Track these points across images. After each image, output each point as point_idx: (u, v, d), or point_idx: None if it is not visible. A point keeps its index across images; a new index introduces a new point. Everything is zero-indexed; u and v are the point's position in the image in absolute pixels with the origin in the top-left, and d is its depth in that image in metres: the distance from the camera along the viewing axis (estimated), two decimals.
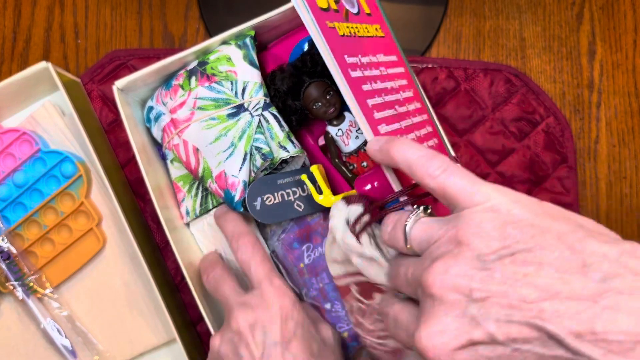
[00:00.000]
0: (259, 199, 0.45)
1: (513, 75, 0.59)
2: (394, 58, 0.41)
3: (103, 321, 0.55)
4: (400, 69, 0.41)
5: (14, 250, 0.54)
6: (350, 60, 0.38)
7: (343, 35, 0.38)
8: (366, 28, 0.41)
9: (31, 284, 0.54)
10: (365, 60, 0.39)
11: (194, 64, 0.48)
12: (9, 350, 0.55)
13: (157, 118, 0.50)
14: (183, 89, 0.48)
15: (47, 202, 0.54)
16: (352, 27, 0.39)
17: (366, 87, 0.37)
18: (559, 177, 0.58)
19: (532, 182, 0.58)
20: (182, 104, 0.48)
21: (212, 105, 0.47)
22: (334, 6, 0.39)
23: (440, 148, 0.42)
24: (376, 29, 0.41)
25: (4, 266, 0.53)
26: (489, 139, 0.59)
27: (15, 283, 0.54)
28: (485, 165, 0.58)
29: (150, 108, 0.51)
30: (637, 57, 0.61)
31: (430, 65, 0.59)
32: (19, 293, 0.54)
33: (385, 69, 0.40)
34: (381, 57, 0.41)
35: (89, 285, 0.55)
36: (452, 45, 0.61)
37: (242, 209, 0.45)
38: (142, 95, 0.51)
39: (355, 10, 0.41)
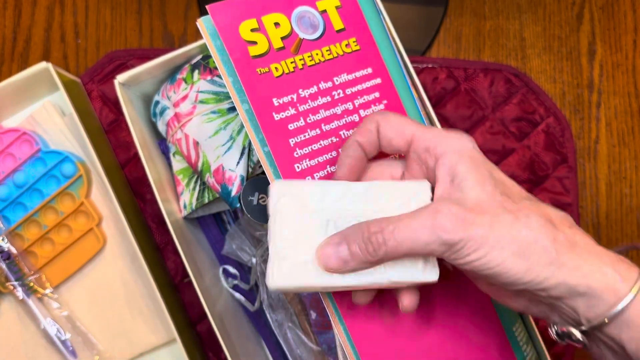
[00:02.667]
0: (256, 194, 0.44)
1: (513, 75, 0.59)
2: (365, 72, 0.41)
3: (103, 321, 0.55)
4: (375, 81, 0.41)
5: (14, 250, 0.54)
6: (281, 100, 0.39)
7: (281, 75, 0.39)
8: (328, 50, 0.41)
9: (31, 284, 0.54)
10: (307, 92, 0.40)
11: (198, 57, 0.48)
12: (9, 351, 0.55)
13: (162, 112, 0.51)
14: (186, 82, 0.48)
15: (47, 202, 0.54)
16: (300, 60, 0.40)
17: (293, 125, 0.39)
18: (559, 177, 0.58)
19: (532, 182, 0.58)
20: (184, 97, 0.48)
21: (213, 98, 0.47)
22: (278, 45, 0.40)
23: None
24: (346, 44, 0.41)
25: (4, 266, 0.53)
26: (489, 139, 0.59)
27: (16, 283, 0.54)
28: None
29: (157, 102, 0.51)
30: (637, 57, 0.61)
31: (430, 65, 0.59)
32: (19, 293, 0.54)
33: (342, 92, 0.40)
34: (343, 77, 0.41)
35: (89, 285, 0.55)
36: (452, 45, 0.61)
37: (238, 205, 0.45)
38: (143, 90, 0.52)
39: (315, 35, 0.41)
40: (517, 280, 0.29)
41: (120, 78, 0.48)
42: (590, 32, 0.61)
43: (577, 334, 0.30)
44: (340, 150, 0.36)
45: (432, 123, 0.45)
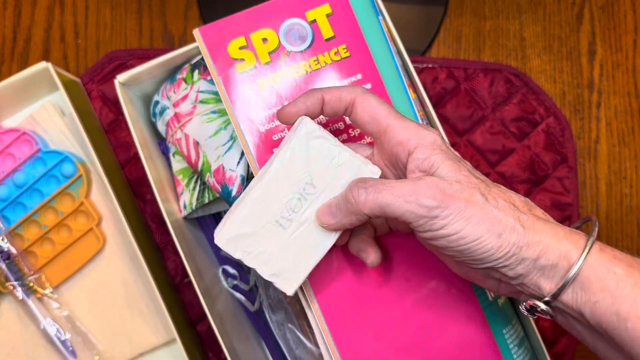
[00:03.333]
0: None
1: (513, 75, 0.59)
2: (354, 78, 0.42)
3: (103, 321, 0.55)
4: (365, 86, 0.42)
5: (14, 250, 0.54)
6: (266, 113, 0.41)
7: (267, 88, 0.41)
8: (316, 60, 0.42)
9: (31, 284, 0.54)
10: None
11: (198, 57, 0.49)
12: (9, 351, 0.55)
13: (162, 112, 0.51)
14: (186, 82, 0.48)
15: (47, 202, 0.54)
16: (287, 72, 0.42)
17: (277, 136, 0.41)
18: (559, 177, 0.58)
19: (532, 182, 0.58)
20: (184, 97, 0.48)
21: (213, 98, 0.48)
22: (265, 60, 0.42)
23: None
24: (335, 52, 0.42)
25: (4, 266, 0.53)
26: (489, 139, 0.59)
27: (15, 283, 0.54)
28: (485, 165, 0.58)
29: (156, 102, 0.51)
30: (637, 57, 0.61)
31: (430, 65, 0.59)
32: (19, 293, 0.54)
33: None
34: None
35: (89, 285, 0.55)
36: (452, 45, 0.61)
37: None
38: (143, 90, 0.52)
39: (304, 46, 0.42)
40: (489, 256, 0.31)
41: (121, 78, 0.48)
42: (590, 32, 0.61)
43: (542, 305, 0.32)
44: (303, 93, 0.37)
45: (431, 123, 0.45)
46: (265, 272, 0.37)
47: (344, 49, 0.42)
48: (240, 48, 0.42)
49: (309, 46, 0.42)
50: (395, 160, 0.35)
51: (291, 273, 0.36)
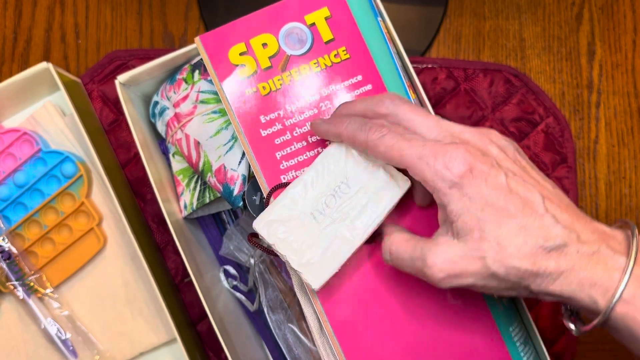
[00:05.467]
0: (259, 194, 0.45)
1: (513, 75, 0.59)
2: (355, 80, 0.42)
3: (103, 321, 0.55)
4: (365, 88, 0.42)
5: (14, 250, 0.54)
6: (268, 117, 0.41)
7: (268, 93, 0.42)
8: (316, 62, 0.42)
9: (32, 284, 0.54)
10: (293, 107, 0.42)
11: (198, 57, 0.49)
12: (9, 350, 0.55)
13: (161, 113, 0.51)
14: (186, 82, 0.49)
15: (47, 202, 0.54)
16: (287, 76, 0.42)
17: (279, 139, 0.41)
18: (559, 177, 0.58)
19: None
20: (185, 98, 0.49)
21: (214, 98, 0.48)
22: (266, 64, 0.42)
23: None
24: (335, 54, 0.42)
25: (4, 266, 0.53)
26: None
27: (16, 283, 0.54)
28: None
29: (156, 103, 0.51)
30: (636, 57, 0.61)
31: (430, 66, 0.59)
32: (20, 293, 0.54)
33: (330, 102, 0.42)
34: (330, 89, 0.42)
35: (90, 285, 0.55)
36: (452, 45, 0.61)
37: (241, 204, 0.46)
38: (144, 90, 0.52)
39: (303, 50, 0.42)
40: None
41: (121, 78, 0.48)
42: (589, 32, 0.61)
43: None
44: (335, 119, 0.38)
45: None
46: (295, 261, 0.37)
47: (343, 51, 0.42)
48: (241, 54, 0.42)
49: (309, 49, 0.42)
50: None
51: (319, 267, 0.37)
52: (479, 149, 0.33)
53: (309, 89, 0.42)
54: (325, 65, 0.42)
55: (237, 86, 0.42)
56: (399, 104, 0.36)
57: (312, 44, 0.42)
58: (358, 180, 0.38)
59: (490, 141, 0.34)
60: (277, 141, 0.41)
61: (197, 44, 0.43)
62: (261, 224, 0.38)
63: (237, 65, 0.42)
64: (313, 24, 0.42)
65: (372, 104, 0.37)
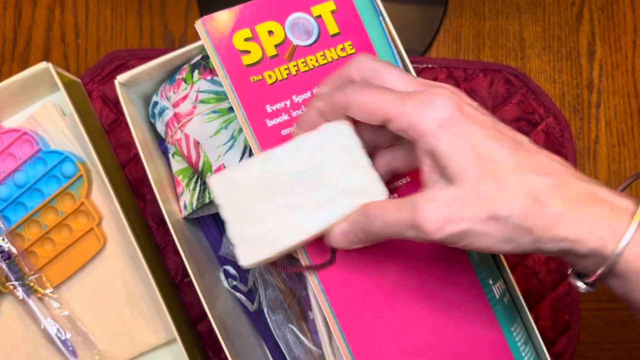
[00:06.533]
0: None
1: (513, 75, 0.59)
2: None
3: (103, 321, 0.55)
4: None
5: (14, 250, 0.54)
6: (274, 107, 0.40)
7: (274, 82, 0.41)
8: (322, 55, 0.41)
9: (31, 284, 0.54)
10: (300, 98, 0.41)
11: (198, 57, 0.49)
12: (10, 350, 0.55)
13: (161, 113, 0.51)
14: (186, 82, 0.48)
15: (47, 202, 0.54)
16: (294, 66, 0.41)
17: (286, 131, 0.40)
18: None
19: None
20: (184, 98, 0.48)
21: (213, 98, 0.48)
22: (272, 53, 0.41)
23: None
24: (342, 48, 0.42)
25: (4, 266, 0.53)
26: None
27: (16, 283, 0.54)
28: None
29: (155, 103, 0.51)
30: (636, 57, 0.61)
31: (430, 66, 0.59)
32: (20, 293, 0.54)
33: None
34: None
35: (90, 285, 0.55)
36: (452, 45, 0.62)
37: None
38: (144, 90, 0.52)
39: (310, 41, 0.41)
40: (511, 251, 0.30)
41: (121, 78, 0.48)
42: (589, 32, 0.61)
43: (582, 285, 0.31)
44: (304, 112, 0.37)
45: None
46: (233, 231, 0.35)
47: (349, 45, 0.42)
48: (246, 40, 0.41)
49: (315, 41, 0.41)
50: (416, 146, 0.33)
51: (255, 245, 0.35)
52: (458, 96, 0.31)
53: (316, 81, 0.41)
54: (332, 58, 0.41)
55: (241, 73, 0.40)
56: (370, 63, 0.34)
57: (318, 35, 0.42)
58: (331, 175, 0.35)
59: (464, 95, 0.32)
60: (284, 132, 0.40)
61: (198, 27, 0.41)
62: (218, 180, 0.36)
63: (241, 52, 0.41)
64: (319, 16, 0.42)
65: (344, 71, 0.35)
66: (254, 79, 0.41)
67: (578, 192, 0.29)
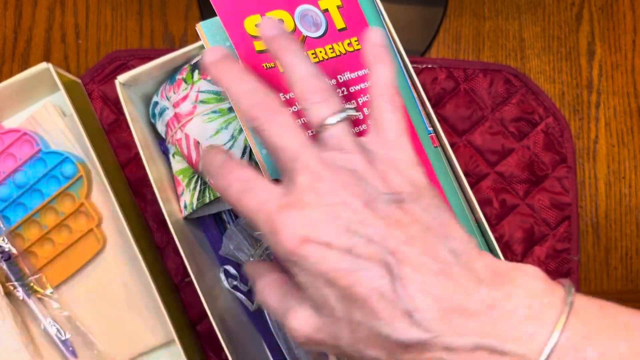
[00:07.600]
0: None
1: (512, 75, 0.59)
2: (367, 71, 0.42)
3: (103, 321, 0.55)
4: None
5: (14, 251, 0.54)
6: (286, 96, 0.39)
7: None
8: (331, 48, 0.41)
9: (31, 284, 0.54)
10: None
11: (198, 57, 0.49)
12: (10, 351, 0.55)
13: (161, 113, 0.51)
14: (186, 82, 0.48)
15: (47, 203, 0.54)
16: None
17: (300, 121, 0.39)
18: (558, 177, 0.58)
19: (532, 182, 0.58)
20: (184, 98, 0.48)
21: (214, 98, 0.48)
22: None
23: None
24: (348, 43, 0.41)
25: (4, 266, 0.53)
26: (489, 139, 0.59)
27: (16, 283, 0.54)
28: (485, 165, 0.58)
29: (155, 103, 0.51)
30: (636, 57, 0.61)
31: (429, 66, 0.60)
32: (20, 293, 0.54)
33: (346, 89, 0.41)
34: (346, 75, 0.41)
35: (89, 286, 0.55)
36: (451, 45, 0.62)
37: None
38: (144, 90, 0.52)
39: (318, 33, 0.41)
40: None
41: (121, 78, 0.48)
42: (589, 32, 0.61)
43: None
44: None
45: (432, 123, 0.46)
46: None
47: (356, 41, 0.42)
48: (257, 25, 0.40)
49: (324, 34, 0.41)
50: None
51: None
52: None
53: (326, 73, 0.40)
54: (340, 52, 0.41)
55: (254, 59, 0.40)
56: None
57: (326, 29, 0.42)
58: None
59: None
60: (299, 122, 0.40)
61: (201, 29, 0.40)
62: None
63: (253, 37, 0.40)
64: (326, 10, 0.42)
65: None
66: (266, 65, 0.40)
67: (439, 352, 0.27)
